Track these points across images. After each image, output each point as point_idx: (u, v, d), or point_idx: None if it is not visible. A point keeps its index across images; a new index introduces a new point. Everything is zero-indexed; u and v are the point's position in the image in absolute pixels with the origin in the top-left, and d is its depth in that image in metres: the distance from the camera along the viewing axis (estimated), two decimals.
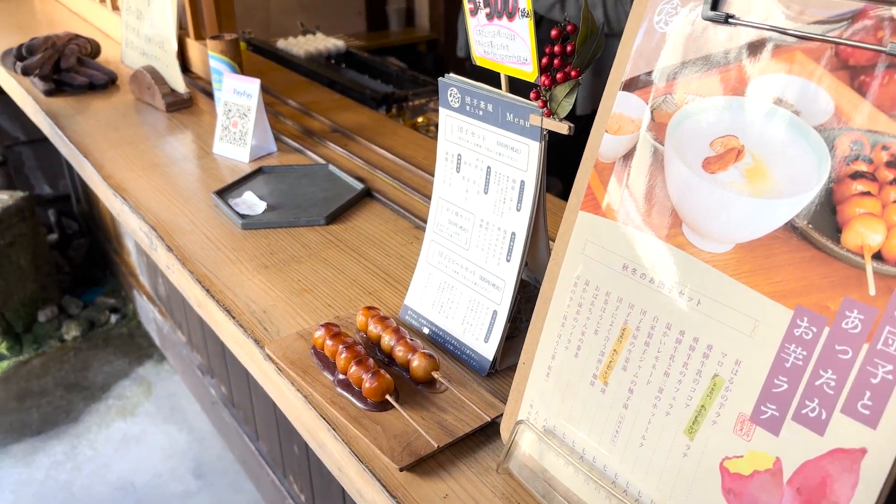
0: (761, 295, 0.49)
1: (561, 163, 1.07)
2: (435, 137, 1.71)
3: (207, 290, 0.91)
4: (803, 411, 0.47)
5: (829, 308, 0.46)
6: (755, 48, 0.51)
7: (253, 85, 1.24)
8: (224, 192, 1.14)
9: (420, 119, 1.75)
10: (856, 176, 0.46)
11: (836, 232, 0.46)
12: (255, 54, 2.00)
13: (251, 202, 1.11)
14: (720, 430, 0.51)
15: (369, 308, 0.82)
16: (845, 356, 0.46)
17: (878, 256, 0.45)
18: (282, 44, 2.16)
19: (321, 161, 1.25)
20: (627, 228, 0.57)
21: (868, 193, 0.45)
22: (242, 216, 1.07)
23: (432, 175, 1.20)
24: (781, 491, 0.48)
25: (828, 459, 0.46)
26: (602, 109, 0.60)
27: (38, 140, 2.66)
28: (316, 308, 0.88)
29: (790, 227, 0.48)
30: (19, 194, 2.36)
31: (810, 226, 0.47)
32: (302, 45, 2.13)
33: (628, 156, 0.58)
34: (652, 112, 0.56)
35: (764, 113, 0.50)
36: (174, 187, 1.18)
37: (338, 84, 1.80)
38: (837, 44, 0.47)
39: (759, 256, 0.50)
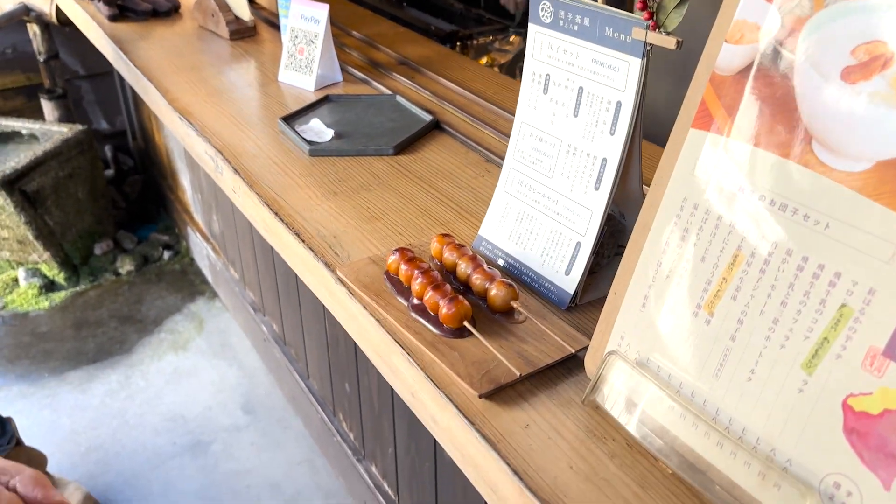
0: None
1: None
2: (502, 74, 1.65)
3: (276, 213, 0.89)
4: None
5: None
6: None
7: (321, 10, 1.20)
8: (291, 119, 1.11)
9: (485, 59, 1.70)
10: None
11: None
12: None
13: (318, 129, 1.08)
14: (845, 364, 0.47)
15: (444, 235, 0.78)
16: None
17: None
18: None
19: (388, 92, 1.22)
20: (746, 147, 0.52)
21: None
22: (310, 143, 1.04)
23: (503, 109, 1.15)
24: None
25: None
26: (721, 16, 0.55)
27: (98, 74, 2.67)
28: (386, 235, 0.85)
29: None
30: (78, 127, 2.38)
31: None
32: None
33: (749, 67, 0.53)
34: (782, 17, 0.51)
35: None
36: (240, 113, 1.15)
37: (401, 21, 1.75)
38: None
39: None
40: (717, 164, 0.54)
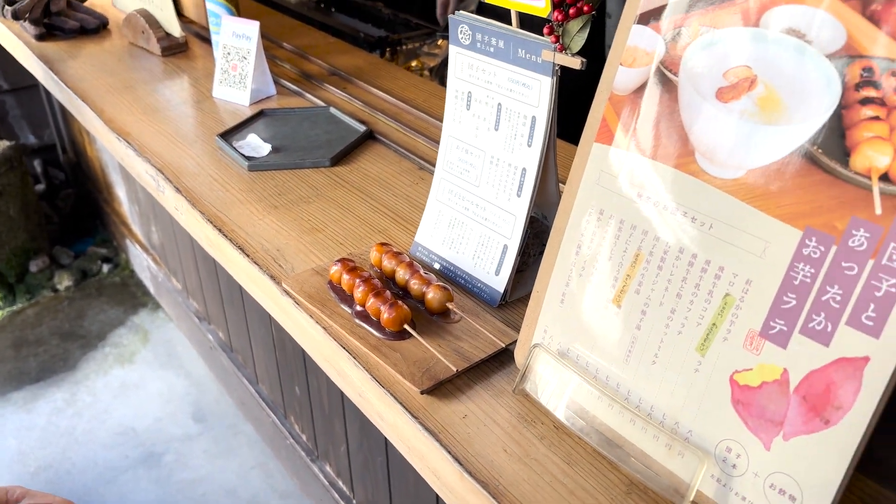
0: (771, 217, 0.52)
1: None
2: (431, 80, 1.71)
3: (220, 230, 0.93)
4: (810, 325, 0.51)
5: (836, 228, 0.49)
6: None
7: (252, 27, 1.23)
8: (228, 135, 1.15)
9: (414, 63, 1.75)
10: (865, 102, 0.48)
11: (844, 156, 0.49)
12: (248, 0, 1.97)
13: (255, 144, 1.12)
14: (730, 345, 0.54)
15: (382, 244, 0.84)
16: (851, 272, 0.49)
17: (884, 178, 0.47)
18: None
19: (321, 104, 1.26)
20: (641, 158, 0.60)
21: (877, 118, 0.48)
22: (248, 158, 1.08)
23: (434, 117, 1.21)
24: (788, 399, 0.52)
25: (833, 368, 0.50)
26: (617, 43, 0.62)
27: (22, 88, 2.62)
28: (328, 246, 0.90)
29: (800, 152, 0.51)
30: (6, 143, 2.34)
31: (820, 150, 0.50)
32: None
33: (642, 88, 0.60)
34: (666, 45, 0.58)
35: (776, 43, 0.52)
36: (177, 131, 1.18)
37: (330, 28, 1.79)
38: None
39: (769, 181, 0.52)
40: (617, 174, 0.61)
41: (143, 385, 2.10)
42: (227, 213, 0.97)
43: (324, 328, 0.76)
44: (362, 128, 1.17)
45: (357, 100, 1.28)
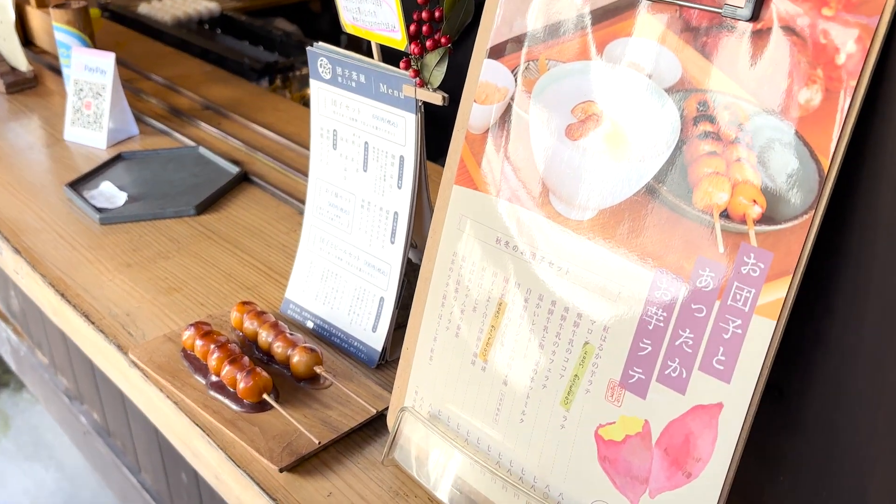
0: (624, 260, 0.58)
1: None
2: None
3: (62, 295, 0.96)
4: (666, 372, 0.57)
5: (684, 268, 0.56)
6: (607, 11, 0.60)
7: (107, 60, 1.28)
8: (78, 184, 1.18)
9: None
10: (703, 136, 0.55)
11: (688, 192, 0.56)
12: (112, 22, 2.01)
13: (110, 194, 1.15)
14: (593, 398, 0.60)
15: (245, 303, 0.88)
16: (700, 314, 0.55)
17: (724, 214, 0.54)
18: (144, 8, 2.18)
19: (190, 143, 1.31)
20: (499, 201, 0.66)
21: (714, 153, 0.55)
22: (100, 210, 1.11)
23: None
24: (651, 453, 0.57)
25: (690, 417, 0.56)
26: (470, 78, 0.68)
27: None
28: (186, 307, 0.94)
29: (648, 190, 0.58)
30: None
31: (665, 188, 0.57)
32: (168, 8, 2.16)
33: (497, 126, 0.66)
34: (516, 79, 0.65)
35: (618, 77, 0.59)
36: (20, 181, 1.21)
37: (212, 54, 1.84)
38: (680, 6, 0.56)
39: (620, 221, 0.59)
40: (477, 218, 0.67)
41: (4, 482, 2.07)
42: (73, 274, 1.00)
43: (174, 402, 0.80)
44: (235, 169, 1.22)
45: (232, 137, 1.33)
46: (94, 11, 1.63)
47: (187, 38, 1.94)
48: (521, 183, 0.64)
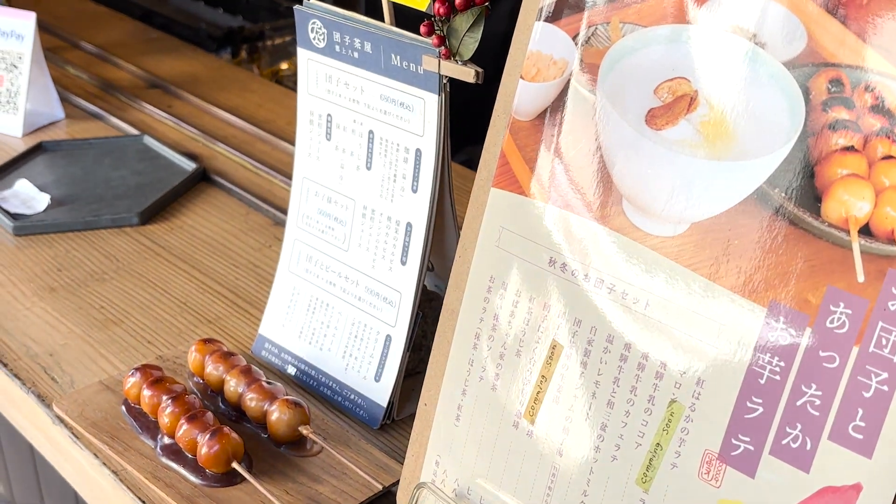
0: (725, 290, 0.56)
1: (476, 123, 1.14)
2: None
3: None
4: (783, 441, 0.54)
5: (809, 302, 0.54)
6: None
7: (26, 21, 1.27)
8: None
9: (284, 65, 1.80)
10: (836, 126, 0.53)
11: (815, 201, 0.54)
12: None
13: (27, 195, 1.14)
14: (682, 475, 0.58)
15: (206, 341, 0.86)
16: (832, 364, 0.53)
17: (865, 231, 0.52)
18: None
19: (133, 131, 1.29)
20: (553, 209, 0.64)
21: (851, 148, 0.53)
22: (15, 216, 1.10)
23: None
24: None
25: (816, 502, 0.53)
26: (515, 47, 0.66)
27: None
28: (128, 346, 0.92)
29: (760, 196, 0.56)
30: None
31: (783, 194, 0.55)
32: None
33: (552, 110, 0.64)
34: (579, 49, 0.63)
35: (721, 47, 0.57)
36: None
37: (157, 16, 1.83)
38: None
39: (720, 239, 0.57)
40: (522, 232, 0.65)
41: None
42: None
43: (113, 472, 0.77)
44: (191, 165, 1.20)
45: (187, 124, 1.31)
46: None
47: None
48: (583, 186, 0.62)
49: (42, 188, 1.15)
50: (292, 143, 1.26)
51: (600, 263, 0.61)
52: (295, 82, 1.80)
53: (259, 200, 1.15)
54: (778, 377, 0.55)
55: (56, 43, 1.55)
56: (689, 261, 0.58)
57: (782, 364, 0.55)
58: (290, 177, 1.18)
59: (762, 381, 0.55)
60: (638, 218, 0.60)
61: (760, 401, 0.55)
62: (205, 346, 0.86)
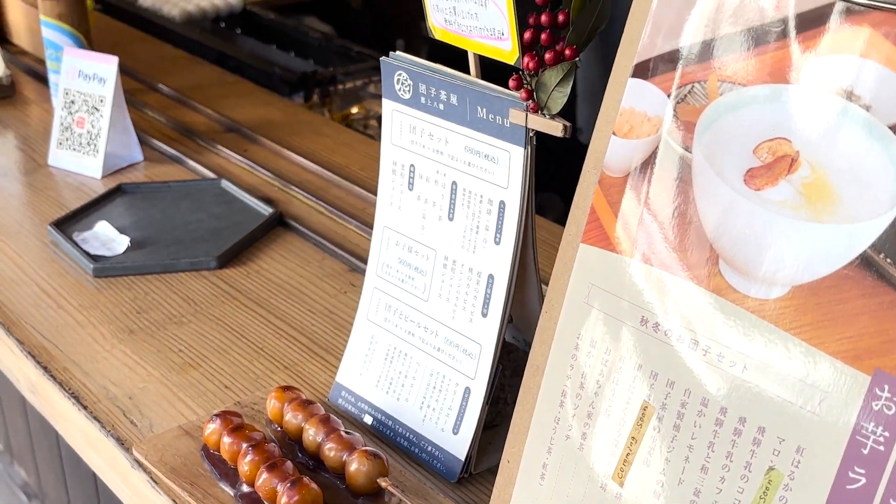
0: (828, 356, 0.55)
1: (560, 173, 1.13)
2: (377, 136, 1.76)
3: (45, 368, 0.95)
4: None
5: None
6: (812, 19, 0.57)
7: (108, 66, 1.29)
8: (67, 223, 1.18)
9: (355, 110, 1.81)
10: None
11: None
12: (106, 15, 2.04)
13: (107, 237, 1.15)
14: None
15: (285, 389, 0.86)
16: None
17: None
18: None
19: (210, 174, 1.30)
20: (646, 267, 0.63)
21: None
22: (95, 258, 1.11)
23: (375, 192, 1.25)
24: None
25: None
26: (607, 103, 0.66)
27: None
28: (206, 390, 0.92)
29: (864, 261, 0.54)
30: None
31: (889, 260, 0.53)
32: (177, 1, 2.19)
33: (645, 167, 0.63)
34: (675, 107, 0.62)
35: (824, 108, 0.56)
36: None
37: (232, 60, 1.85)
38: None
39: (823, 303, 0.55)
40: (613, 290, 0.64)
41: None
42: (60, 341, 0.99)
43: None
44: (268, 209, 1.21)
45: (263, 168, 1.32)
46: (88, 2, 1.65)
47: (201, 39, 1.97)
48: (679, 244, 0.61)
49: (121, 230, 1.17)
50: (366, 188, 1.27)
51: (695, 324, 0.60)
52: (365, 126, 1.83)
53: (334, 246, 1.15)
54: (882, 448, 0.53)
55: (135, 85, 1.57)
56: (789, 325, 0.56)
57: (886, 434, 0.53)
58: (364, 222, 1.19)
59: (865, 452, 0.53)
60: (735, 279, 0.59)
61: (863, 471, 0.53)
62: (283, 394, 0.86)
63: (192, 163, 1.34)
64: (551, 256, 1.06)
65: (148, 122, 1.46)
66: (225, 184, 1.27)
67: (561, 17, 0.70)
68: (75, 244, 1.13)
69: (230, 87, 1.60)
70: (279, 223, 1.20)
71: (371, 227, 1.17)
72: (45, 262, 1.12)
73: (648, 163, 0.63)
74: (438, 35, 0.80)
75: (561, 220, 1.44)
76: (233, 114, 1.48)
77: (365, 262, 1.11)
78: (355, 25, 3.14)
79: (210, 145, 1.39)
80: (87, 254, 1.11)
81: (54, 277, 1.10)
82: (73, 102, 1.31)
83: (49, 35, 1.40)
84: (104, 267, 1.10)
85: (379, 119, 1.85)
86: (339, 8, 3.18)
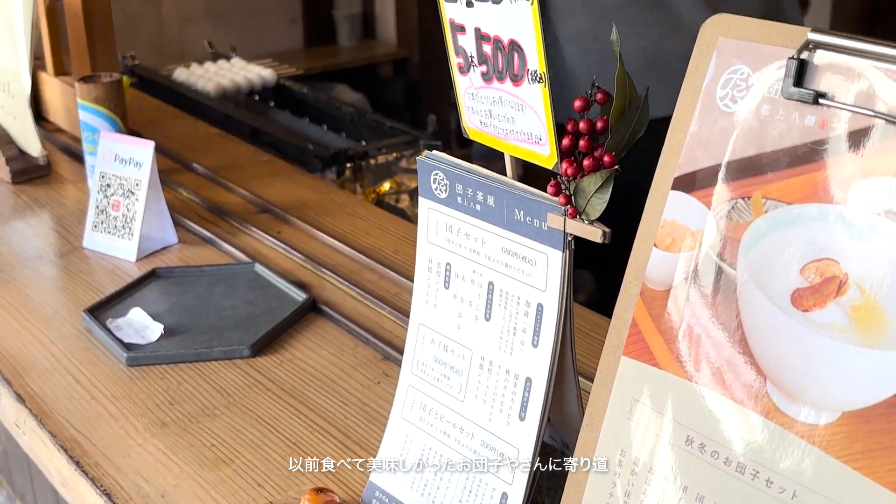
0: (881, 487, 0.53)
1: (592, 248, 1.12)
2: (409, 211, 1.77)
3: (77, 462, 0.94)
4: None
5: None
6: (857, 139, 0.56)
7: (145, 150, 1.30)
8: (101, 310, 1.18)
9: (387, 185, 1.82)
10: None
11: None
12: (139, 91, 2.07)
13: (141, 324, 1.15)
14: None
15: (318, 491, 0.84)
16: None
17: None
18: (181, 74, 2.24)
19: (244, 258, 1.30)
20: (691, 385, 0.61)
21: None
22: (128, 346, 1.10)
23: (409, 277, 1.24)
24: None
25: None
26: (648, 214, 0.65)
27: None
28: (238, 488, 0.91)
29: None
30: None
31: None
32: (211, 75, 2.21)
33: (688, 281, 0.62)
34: (718, 222, 0.61)
35: (873, 230, 0.55)
36: (24, 302, 1.21)
37: (265, 135, 1.87)
38: None
39: (875, 430, 0.54)
40: (657, 407, 0.63)
41: None
42: (92, 434, 0.98)
43: None
44: (301, 295, 1.20)
45: (296, 251, 1.32)
46: (125, 80, 1.66)
47: (235, 114, 1.98)
48: (724, 363, 0.60)
49: (155, 316, 1.16)
50: (399, 272, 1.26)
51: (743, 447, 0.59)
52: (397, 200, 1.83)
53: (367, 333, 1.14)
54: None
55: (169, 164, 1.58)
56: (839, 452, 0.55)
57: None
58: (397, 308, 1.18)
59: None
60: (784, 401, 0.58)
61: None
62: (317, 496, 0.84)
63: (225, 245, 1.34)
64: (585, 344, 1.05)
65: (182, 203, 1.46)
66: (259, 268, 1.27)
67: (600, 124, 0.70)
68: (109, 332, 1.13)
69: (264, 166, 1.61)
70: (312, 309, 1.20)
71: (403, 314, 1.16)
72: (79, 349, 1.12)
73: (692, 277, 0.62)
74: (473, 136, 0.80)
75: (592, 302, 1.44)
76: (266, 193, 1.49)
77: (398, 350, 1.10)
78: (382, 92, 3.17)
79: (243, 226, 1.39)
80: (121, 342, 1.11)
81: (87, 366, 1.09)
82: (108, 186, 1.32)
83: (86, 118, 1.41)
84: (138, 356, 1.09)
85: (410, 193, 1.86)
86: (368, 76, 3.22)
